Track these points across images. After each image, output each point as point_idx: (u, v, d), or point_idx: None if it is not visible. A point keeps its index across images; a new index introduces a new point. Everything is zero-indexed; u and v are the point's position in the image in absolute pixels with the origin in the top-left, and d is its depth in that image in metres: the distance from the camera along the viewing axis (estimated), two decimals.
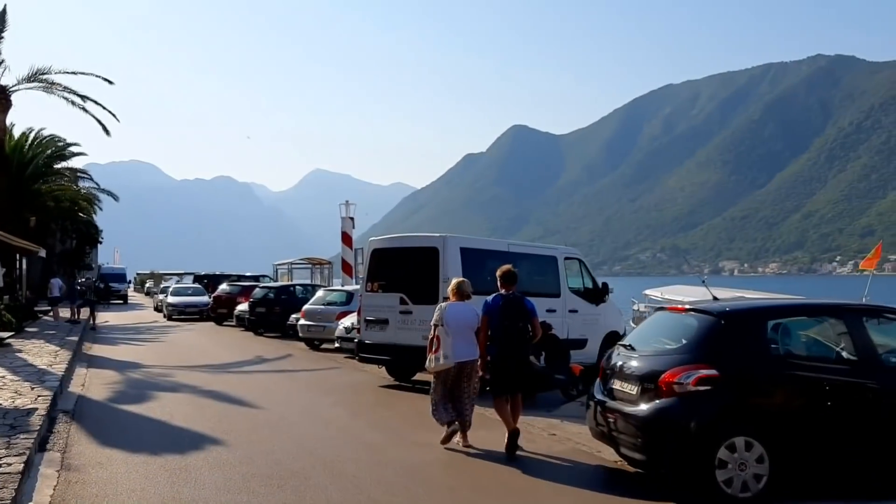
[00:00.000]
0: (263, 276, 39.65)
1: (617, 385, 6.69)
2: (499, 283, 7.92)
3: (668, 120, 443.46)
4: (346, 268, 30.04)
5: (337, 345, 17.11)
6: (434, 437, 8.13)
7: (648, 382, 6.21)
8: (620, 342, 7.28)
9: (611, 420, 6.51)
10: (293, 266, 36.10)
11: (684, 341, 6.44)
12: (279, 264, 37.72)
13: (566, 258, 13.69)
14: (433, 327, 7.74)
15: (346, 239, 30.32)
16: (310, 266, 35.68)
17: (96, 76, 26.21)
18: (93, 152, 38.79)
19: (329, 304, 19.17)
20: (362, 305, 12.77)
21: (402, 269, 12.20)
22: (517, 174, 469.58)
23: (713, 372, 5.96)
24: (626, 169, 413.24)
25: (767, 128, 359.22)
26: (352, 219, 30.89)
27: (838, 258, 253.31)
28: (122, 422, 9.33)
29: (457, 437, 7.82)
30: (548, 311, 12.71)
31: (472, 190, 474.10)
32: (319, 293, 20.51)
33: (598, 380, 7.25)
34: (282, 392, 11.95)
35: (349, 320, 16.93)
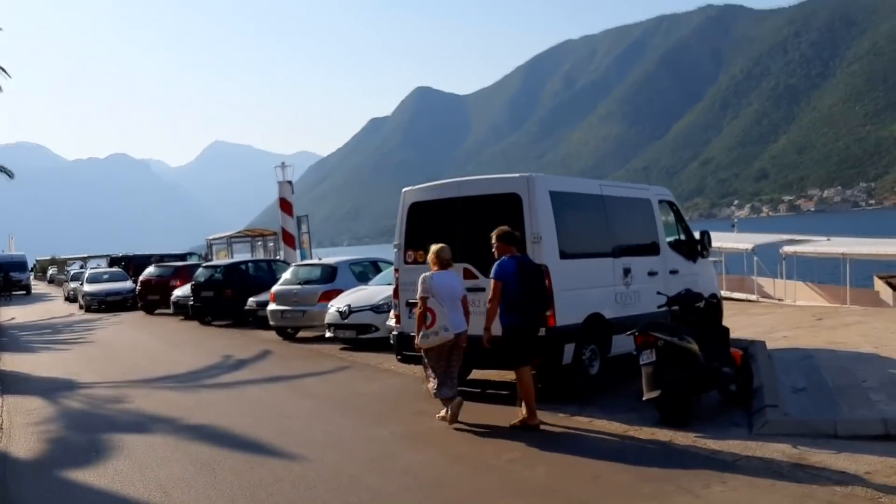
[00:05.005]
0: (190, 253, 34.88)
1: None
2: (497, 246, 7.18)
3: (569, 75, 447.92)
4: (288, 238, 26.67)
5: (329, 334, 13.47)
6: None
7: None
8: None
9: None
10: (232, 239, 31.22)
11: None
12: (214, 239, 32.54)
13: (660, 201, 10.31)
14: (421, 300, 7.22)
15: (286, 206, 26.79)
16: (249, 239, 31.04)
17: None
18: None
19: (306, 282, 15.33)
20: (400, 283, 9.10)
21: (463, 229, 8.43)
22: (424, 136, 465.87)
23: None
24: (531, 126, 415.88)
25: (663, 79, 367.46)
26: (290, 182, 27.21)
27: (736, 202, 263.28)
28: None
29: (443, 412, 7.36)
30: (649, 273, 9.48)
31: (379, 155, 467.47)
32: (290, 270, 16.53)
33: None
34: (307, 421, 8.06)
35: (343, 301, 13.38)
